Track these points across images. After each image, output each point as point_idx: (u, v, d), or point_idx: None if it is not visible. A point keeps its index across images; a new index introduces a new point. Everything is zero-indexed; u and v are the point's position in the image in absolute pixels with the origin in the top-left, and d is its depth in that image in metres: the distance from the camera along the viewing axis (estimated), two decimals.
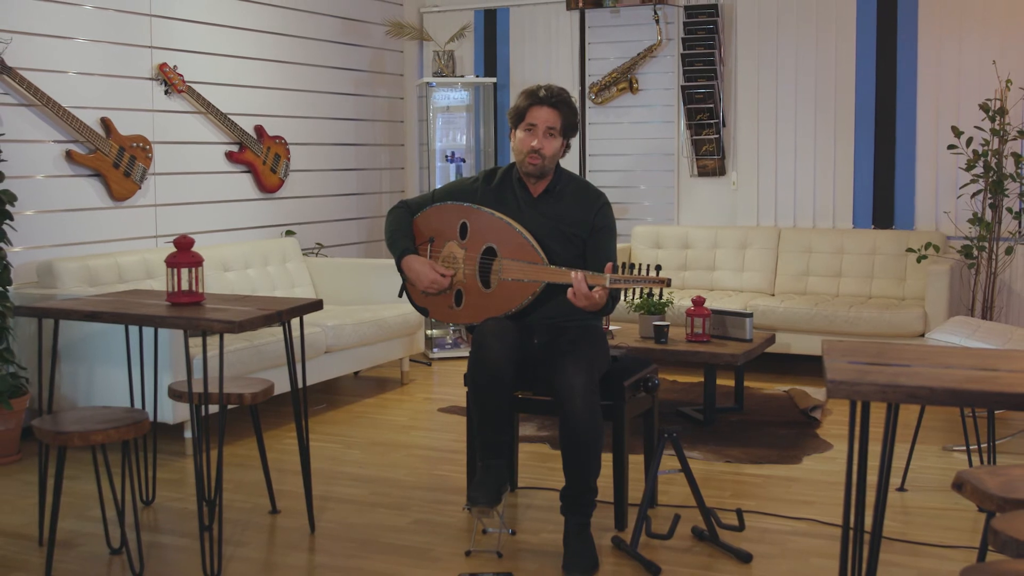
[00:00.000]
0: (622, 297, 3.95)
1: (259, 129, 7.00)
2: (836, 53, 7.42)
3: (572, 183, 4.13)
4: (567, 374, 3.70)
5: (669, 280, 3.68)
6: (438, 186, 5.86)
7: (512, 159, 4.15)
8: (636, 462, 4.56)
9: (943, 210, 7.16)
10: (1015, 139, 6.61)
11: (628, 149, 8.07)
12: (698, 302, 5.73)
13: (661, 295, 3.70)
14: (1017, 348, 4.64)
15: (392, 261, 7.00)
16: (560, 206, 4.05)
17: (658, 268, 3.74)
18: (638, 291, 3.69)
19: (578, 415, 3.66)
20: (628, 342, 5.62)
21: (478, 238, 4.03)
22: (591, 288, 3.68)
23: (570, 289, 3.71)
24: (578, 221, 4.02)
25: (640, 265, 3.74)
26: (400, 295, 4.37)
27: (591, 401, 3.69)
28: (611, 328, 5.86)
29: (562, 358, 3.76)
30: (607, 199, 4.12)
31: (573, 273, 3.72)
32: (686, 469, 3.94)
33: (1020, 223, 6.63)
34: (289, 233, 7.21)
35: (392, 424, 5.84)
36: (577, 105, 4.20)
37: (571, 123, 4.07)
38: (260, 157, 6.98)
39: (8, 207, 5.07)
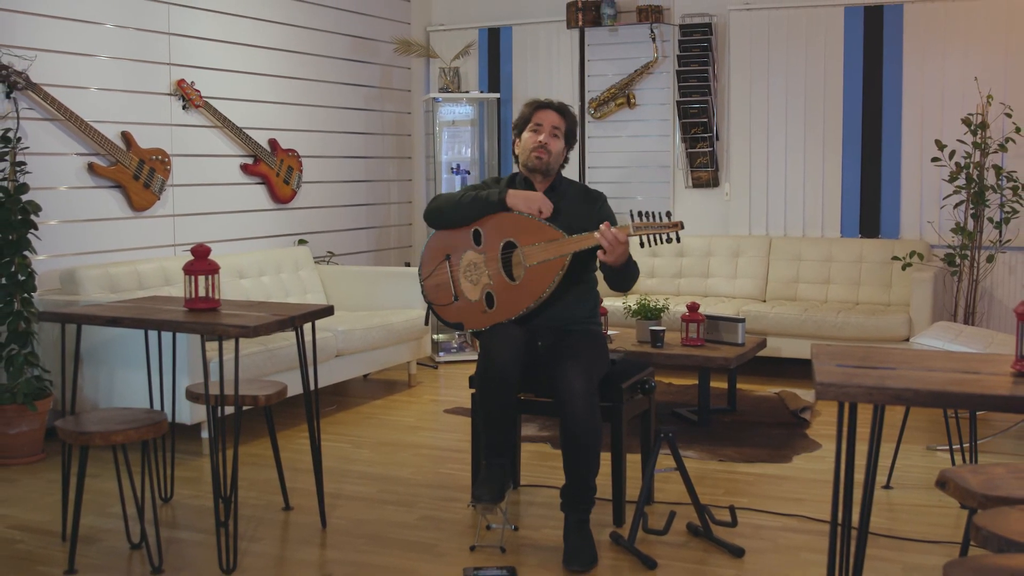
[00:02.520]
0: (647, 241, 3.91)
1: (273, 143, 7.01)
2: (824, 69, 7.43)
3: (572, 185, 4.20)
4: (568, 377, 3.70)
5: (682, 223, 3.79)
6: None
7: (514, 169, 4.18)
8: (633, 461, 4.56)
9: (927, 220, 7.16)
10: (996, 152, 6.61)
11: (626, 161, 8.08)
12: (693, 308, 5.74)
13: (678, 238, 3.76)
14: (998, 352, 4.64)
15: (395, 269, 7.04)
16: (565, 202, 4.07)
17: (668, 214, 3.81)
18: (657, 238, 3.76)
19: (578, 417, 3.67)
20: (626, 346, 5.63)
21: (494, 238, 4.00)
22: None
23: (600, 251, 3.76)
24: (583, 215, 4.02)
25: (653, 213, 3.80)
26: (426, 323, 4.39)
27: (591, 403, 3.70)
28: (610, 333, 5.87)
29: (563, 362, 3.77)
30: (605, 196, 4.19)
31: (597, 233, 3.76)
32: (681, 468, 3.94)
33: (1001, 232, 6.63)
34: (301, 242, 7.22)
35: (400, 425, 5.84)
36: (576, 119, 4.23)
37: (572, 131, 4.15)
38: (274, 169, 6.99)
39: (33, 217, 5.08)
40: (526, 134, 4.09)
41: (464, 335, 7.76)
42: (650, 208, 7.95)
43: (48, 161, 5.46)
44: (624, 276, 3.96)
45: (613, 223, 4.01)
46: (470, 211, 4.04)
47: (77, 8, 5.62)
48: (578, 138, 4.25)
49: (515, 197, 3.97)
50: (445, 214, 4.12)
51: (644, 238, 3.85)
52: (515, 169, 4.25)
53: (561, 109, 4.12)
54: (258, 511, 4.30)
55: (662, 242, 3.82)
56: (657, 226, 3.78)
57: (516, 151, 4.15)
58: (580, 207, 4.07)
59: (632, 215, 3.86)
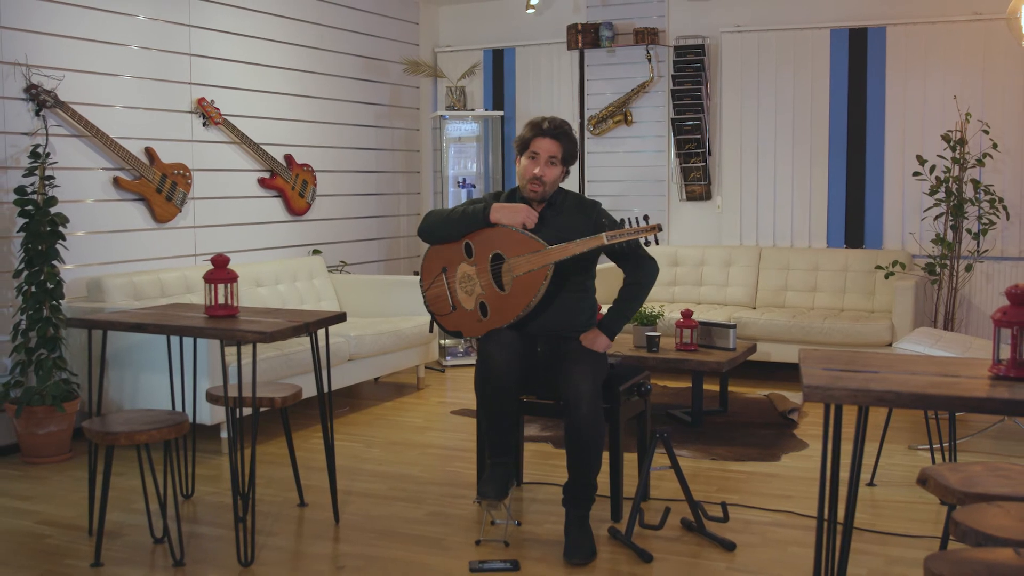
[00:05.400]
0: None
1: (288, 158, 7.02)
2: (812, 88, 7.44)
3: (569, 198, 4.12)
4: (574, 380, 3.70)
5: (660, 225, 3.77)
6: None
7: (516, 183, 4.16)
8: (630, 459, 4.56)
9: (909, 231, 7.17)
10: (974, 167, 6.62)
11: (623, 176, 8.09)
12: (686, 314, 5.74)
13: (656, 240, 3.75)
14: (976, 356, 4.64)
15: (404, 278, 7.04)
16: (561, 218, 4.03)
17: (646, 218, 3.80)
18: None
19: (584, 418, 3.67)
20: (623, 351, 5.63)
21: (483, 250, 4.00)
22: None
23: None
24: (580, 229, 3.97)
25: (629, 219, 3.79)
26: (430, 330, 4.40)
27: (595, 406, 3.70)
28: None
29: (568, 366, 3.77)
30: (600, 203, 4.13)
31: (571, 244, 3.80)
32: (676, 466, 3.95)
33: (978, 243, 6.64)
34: (316, 252, 7.23)
35: (409, 425, 5.84)
36: (576, 135, 4.19)
37: (571, 153, 4.04)
38: (289, 183, 7.00)
39: (61, 228, 5.10)
40: (524, 160, 4.01)
41: (469, 341, 7.76)
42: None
43: (75, 175, 5.48)
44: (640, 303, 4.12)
45: (612, 227, 3.99)
46: (458, 227, 4.03)
47: (103, 30, 5.64)
48: (579, 154, 4.21)
49: (499, 211, 3.95)
50: (436, 231, 4.11)
51: (618, 246, 3.88)
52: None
53: (558, 135, 3.98)
54: (275, 507, 4.31)
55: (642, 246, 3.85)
56: (633, 232, 3.76)
57: (517, 170, 4.10)
58: (576, 218, 4.03)
59: (606, 226, 3.91)
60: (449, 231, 4.06)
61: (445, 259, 4.13)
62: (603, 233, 3.77)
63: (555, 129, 4.00)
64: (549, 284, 3.86)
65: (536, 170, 3.97)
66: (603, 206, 4.13)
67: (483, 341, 3.90)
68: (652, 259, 4.05)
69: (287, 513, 4.25)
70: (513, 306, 3.91)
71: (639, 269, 4.05)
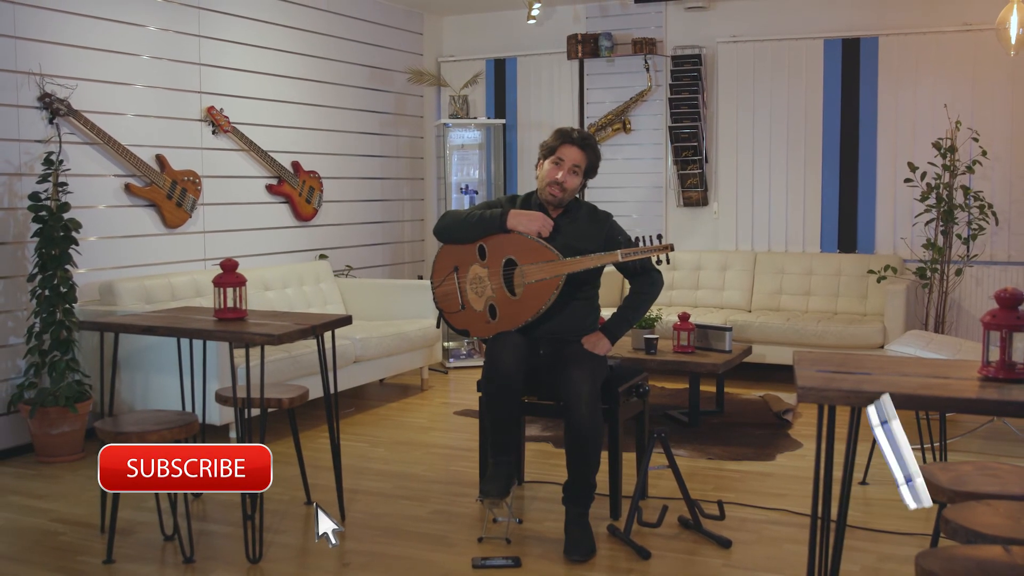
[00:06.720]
0: None
1: (296, 165, 7.03)
2: (806, 97, 7.45)
3: (582, 207, 4.13)
4: (574, 382, 3.71)
5: (672, 245, 3.77)
6: None
7: (534, 188, 4.14)
8: (629, 459, 4.54)
9: (900, 236, 7.17)
10: (964, 173, 6.62)
11: (622, 183, 8.09)
12: (683, 317, 5.75)
13: (668, 260, 3.76)
14: (966, 358, 4.64)
15: (409, 281, 7.05)
16: (575, 227, 4.04)
17: (659, 237, 3.80)
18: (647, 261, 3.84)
19: (583, 418, 3.67)
20: (622, 353, 5.63)
21: (496, 254, 4.00)
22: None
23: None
24: (592, 237, 4.00)
25: (643, 237, 3.79)
26: (438, 326, 4.40)
27: (594, 406, 3.71)
28: None
29: (569, 368, 3.77)
30: (611, 215, 4.14)
31: (586, 258, 3.80)
32: (673, 465, 3.95)
33: (968, 248, 6.64)
34: (322, 257, 7.23)
35: (413, 425, 5.85)
36: (599, 153, 4.15)
37: (593, 165, 4.07)
38: (296, 189, 7.01)
39: (74, 234, 5.10)
40: (547, 164, 4.01)
41: (472, 342, 7.76)
42: (645, 225, 7.97)
43: (88, 182, 5.49)
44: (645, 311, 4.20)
45: (621, 238, 4.02)
46: (474, 231, 4.03)
47: (115, 40, 5.65)
48: (598, 170, 4.19)
49: (516, 218, 3.95)
50: (452, 232, 4.11)
51: (632, 264, 3.88)
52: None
53: (585, 146, 4.01)
54: (282, 505, 4.31)
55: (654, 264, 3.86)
56: (647, 250, 3.78)
57: (537, 173, 4.10)
58: (588, 227, 4.05)
59: (621, 243, 3.91)
60: (465, 233, 4.06)
61: (458, 259, 4.13)
62: (619, 251, 3.78)
63: (583, 140, 4.02)
64: (562, 291, 3.88)
65: (559, 175, 3.98)
66: (613, 217, 4.15)
67: (492, 343, 3.91)
68: (659, 272, 4.08)
69: (294, 511, 4.26)
70: (523, 311, 3.92)
71: (648, 282, 4.08)
